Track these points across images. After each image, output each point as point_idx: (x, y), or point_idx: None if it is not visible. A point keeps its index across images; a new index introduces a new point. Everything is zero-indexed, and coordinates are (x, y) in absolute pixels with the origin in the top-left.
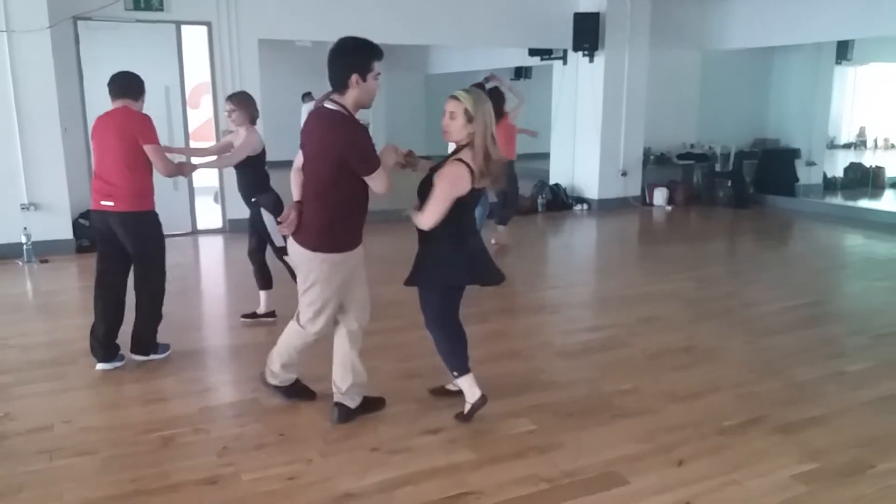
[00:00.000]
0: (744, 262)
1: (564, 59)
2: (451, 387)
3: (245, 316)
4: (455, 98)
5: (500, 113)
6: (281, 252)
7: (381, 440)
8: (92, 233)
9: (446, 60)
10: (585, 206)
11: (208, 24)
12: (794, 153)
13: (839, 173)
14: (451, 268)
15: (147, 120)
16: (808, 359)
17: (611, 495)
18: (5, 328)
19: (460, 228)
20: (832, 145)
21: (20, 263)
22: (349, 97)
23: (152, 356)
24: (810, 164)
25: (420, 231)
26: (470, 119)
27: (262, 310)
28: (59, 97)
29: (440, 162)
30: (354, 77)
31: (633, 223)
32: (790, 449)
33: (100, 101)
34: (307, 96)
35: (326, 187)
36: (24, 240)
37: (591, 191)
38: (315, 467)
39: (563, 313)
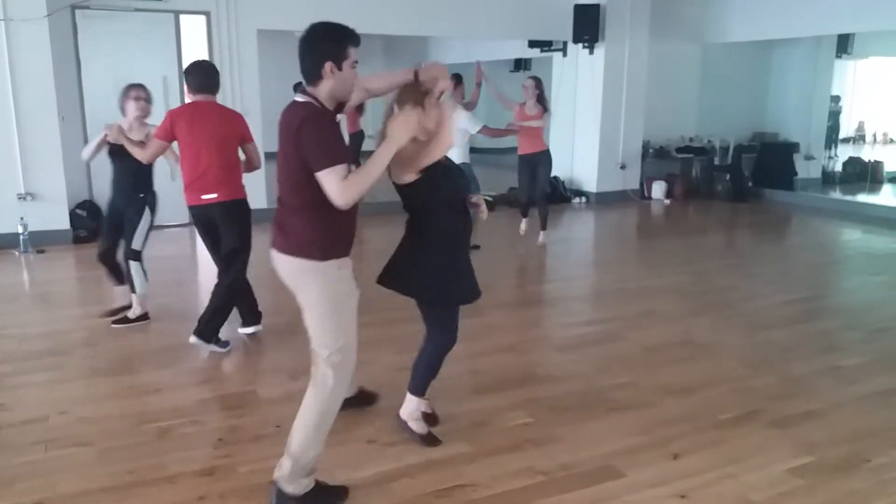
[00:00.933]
0: (741, 256)
1: (564, 50)
2: (426, 409)
3: (117, 322)
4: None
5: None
6: (136, 255)
7: (378, 432)
8: (88, 224)
9: (446, 52)
10: (584, 199)
11: (207, 14)
12: (792, 147)
13: (838, 168)
14: (461, 283)
15: (243, 118)
16: (804, 353)
17: (607, 488)
18: (1, 318)
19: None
20: (831, 140)
21: (17, 253)
22: (323, 88)
23: (213, 347)
24: (809, 158)
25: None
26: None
27: (119, 304)
28: (56, 86)
29: None
30: (329, 66)
31: (631, 216)
32: (786, 443)
33: (98, 91)
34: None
35: (301, 186)
36: (20, 230)
37: (590, 184)
38: None
39: (560, 307)
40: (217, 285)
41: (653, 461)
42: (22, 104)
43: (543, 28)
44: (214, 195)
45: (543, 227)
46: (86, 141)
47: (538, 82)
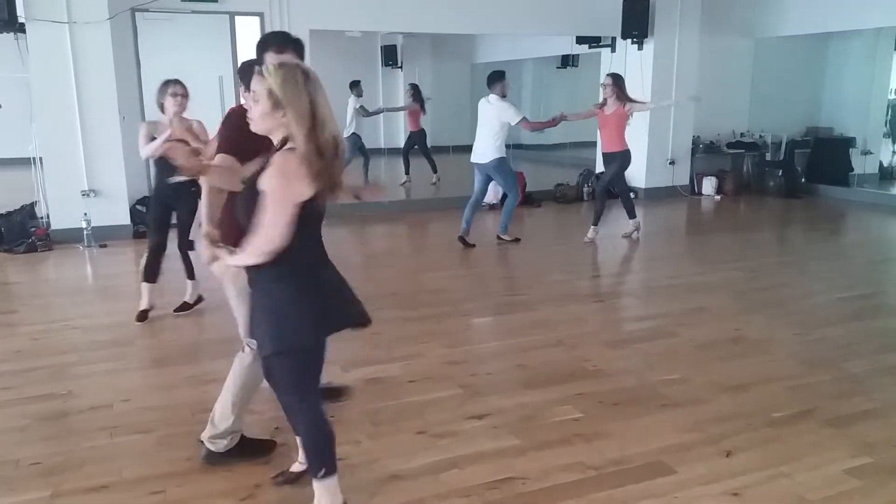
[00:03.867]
0: (795, 252)
1: (613, 46)
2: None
3: (179, 310)
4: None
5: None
6: (193, 245)
7: (428, 424)
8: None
9: (492, 49)
10: (633, 196)
11: (261, 15)
12: (848, 142)
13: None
14: (301, 319)
15: None
16: (861, 351)
17: (658, 484)
18: (68, 309)
19: (310, 257)
20: (888, 134)
21: (80, 248)
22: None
23: None
24: (866, 153)
25: (253, 271)
26: (276, 105)
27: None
28: (117, 87)
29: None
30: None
31: (680, 212)
32: (842, 442)
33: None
34: (355, 86)
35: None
36: (84, 225)
37: (639, 180)
38: (363, 449)
39: (609, 302)
40: None
41: (704, 458)
42: (85, 104)
43: (591, 24)
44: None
45: (594, 223)
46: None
47: (615, 79)
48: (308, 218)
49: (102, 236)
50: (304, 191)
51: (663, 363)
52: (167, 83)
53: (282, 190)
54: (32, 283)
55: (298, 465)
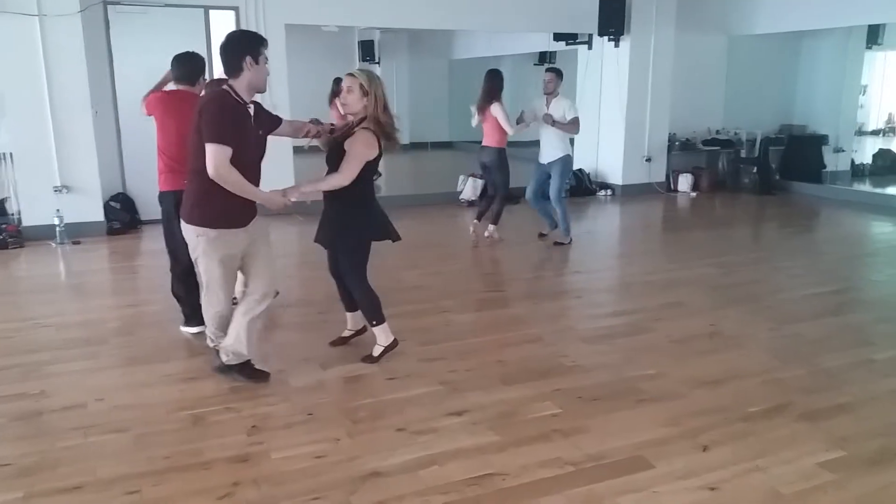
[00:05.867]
0: (769, 248)
1: (590, 43)
2: (346, 333)
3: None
4: (351, 75)
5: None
6: None
7: (407, 421)
8: (122, 216)
9: (470, 46)
10: (609, 192)
11: (235, 9)
12: (821, 139)
13: (867, 160)
14: (368, 224)
15: None
16: (834, 346)
17: (636, 479)
18: (40, 307)
19: (368, 190)
20: (860, 132)
21: (53, 245)
22: (242, 80)
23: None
24: (838, 150)
25: (329, 195)
26: (365, 93)
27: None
28: (89, 81)
29: (343, 130)
30: (248, 59)
31: (657, 209)
32: (816, 436)
33: (129, 85)
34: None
35: (198, 159)
36: (56, 221)
37: (615, 176)
38: (342, 446)
39: (586, 298)
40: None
41: (682, 453)
42: (56, 98)
43: (568, 21)
44: None
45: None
46: (118, 134)
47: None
48: (368, 169)
49: (75, 233)
50: (372, 154)
51: (640, 358)
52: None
53: (360, 153)
54: (3, 281)
55: (348, 332)
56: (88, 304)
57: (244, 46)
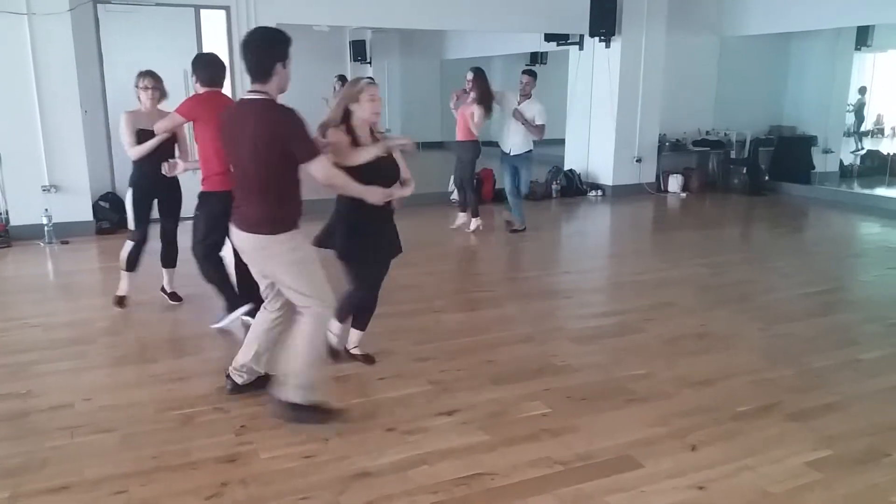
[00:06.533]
0: (758, 249)
1: (581, 44)
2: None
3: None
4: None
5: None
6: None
7: (397, 420)
8: (111, 215)
9: (462, 46)
10: (600, 193)
11: (227, 9)
12: (810, 140)
13: (856, 161)
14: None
15: None
16: (822, 346)
17: (625, 478)
18: (27, 307)
19: None
20: (849, 133)
21: (41, 244)
22: (273, 85)
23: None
24: (827, 151)
25: (383, 209)
26: None
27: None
28: (79, 80)
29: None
30: (279, 65)
31: (647, 209)
32: (804, 435)
33: (119, 84)
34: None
35: (274, 177)
36: (45, 221)
37: (606, 177)
38: (331, 446)
39: (576, 298)
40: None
41: (670, 452)
42: (45, 97)
43: (560, 21)
44: None
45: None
46: (108, 133)
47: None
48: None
49: (64, 232)
50: None
51: (630, 358)
52: (139, 75)
53: None
54: None
55: (332, 337)
56: (76, 304)
57: (278, 52)
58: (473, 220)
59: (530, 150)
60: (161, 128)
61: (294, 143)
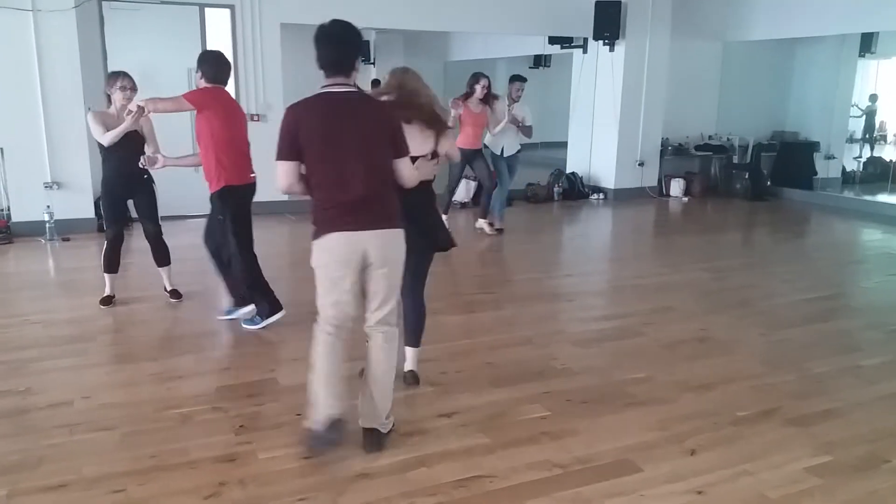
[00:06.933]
0: (760, 254)
1: (584, 47)
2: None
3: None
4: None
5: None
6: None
7: (396, 422)
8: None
9: (466, 48)
10: (601, 196)
11: (231, 7)
12: (812, 146)
13: (858, 168)
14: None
15: None
16: (823, 352)
17: (623, 482)
18: (28, 304)
19: None
20: (852, 139)
21: (43, 241)
22: (353, 78)
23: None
24: (829, 157)
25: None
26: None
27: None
28: (83, 77)
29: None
30: (359, 59)
31: (649, 213)
32: (804, 441)
33: None
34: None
35: (388, 172)
36: (46, 218)
37: (608, 180)
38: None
39: (577, 301)
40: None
41: (669, 457)
42: (49, 94)
43: (564, 25)
44: (254, 175)
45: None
46: None
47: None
48: None
49: (66, 229)
50: None
51: (630, 362)
52: (115, 75)
53: None
54: None
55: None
56: (77, 301)
57: (359, 45)
58: (482, 220)
59: (520, 150)
60: (161, 108)
61: (397, 137)
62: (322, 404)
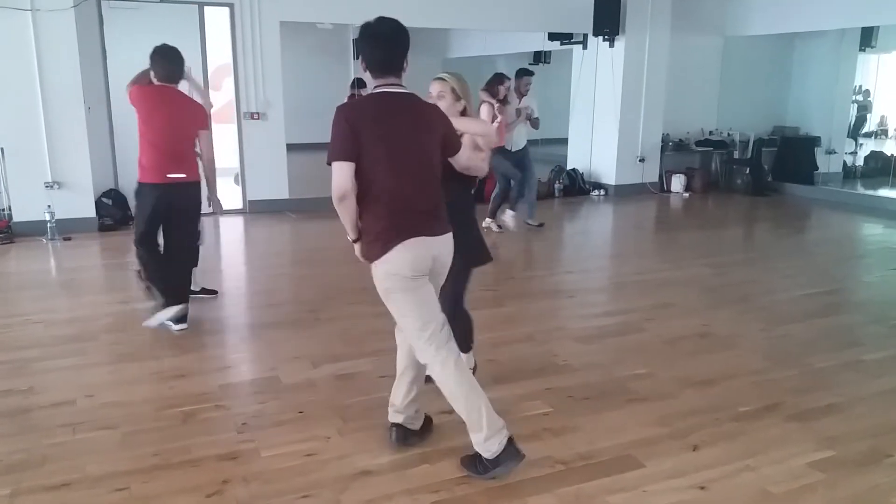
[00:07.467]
0: (761, 249)
1: (584, 43)
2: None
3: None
4: (441, 79)
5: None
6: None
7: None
8: (114, 212)
9: (465, 44)
10: (602, 192)
11: (230, 6)
12: (813, 141)
13: (860, 162)
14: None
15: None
16: (825, 347)
17: (626, 478)
18: (29, 304)
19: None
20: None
21: (44, 241)
22: (403, 78)
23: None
24: (830, 152)
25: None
26: (457, 98)
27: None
28: (82, 76)
29: None
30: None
31: (650, 209)
32: (806, 436)
33: (123, 81)
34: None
35: (439, 173)
36: (47, 217)
37: (609, 176)
38: (333, 444)
39: (578, 298)
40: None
41: (672, 452)
42: (49, 93)
43: (563, 21)
44: (183, 175)
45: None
46: (111, 130)
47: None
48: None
49: (66, 229)
50: None
51: (631, 358)
52: None
53: None
54: None
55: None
56: (78, 300)
57: (408, 43)
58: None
59: (526, 146)
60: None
61: (450, 135)
62: (490, 427)
